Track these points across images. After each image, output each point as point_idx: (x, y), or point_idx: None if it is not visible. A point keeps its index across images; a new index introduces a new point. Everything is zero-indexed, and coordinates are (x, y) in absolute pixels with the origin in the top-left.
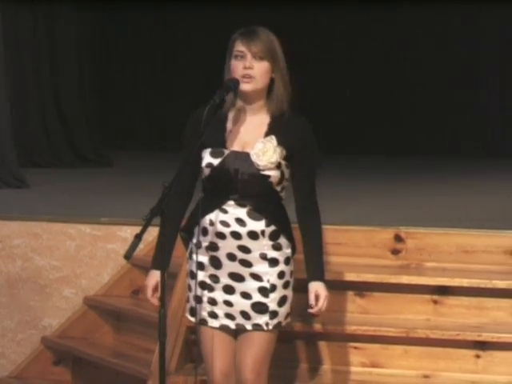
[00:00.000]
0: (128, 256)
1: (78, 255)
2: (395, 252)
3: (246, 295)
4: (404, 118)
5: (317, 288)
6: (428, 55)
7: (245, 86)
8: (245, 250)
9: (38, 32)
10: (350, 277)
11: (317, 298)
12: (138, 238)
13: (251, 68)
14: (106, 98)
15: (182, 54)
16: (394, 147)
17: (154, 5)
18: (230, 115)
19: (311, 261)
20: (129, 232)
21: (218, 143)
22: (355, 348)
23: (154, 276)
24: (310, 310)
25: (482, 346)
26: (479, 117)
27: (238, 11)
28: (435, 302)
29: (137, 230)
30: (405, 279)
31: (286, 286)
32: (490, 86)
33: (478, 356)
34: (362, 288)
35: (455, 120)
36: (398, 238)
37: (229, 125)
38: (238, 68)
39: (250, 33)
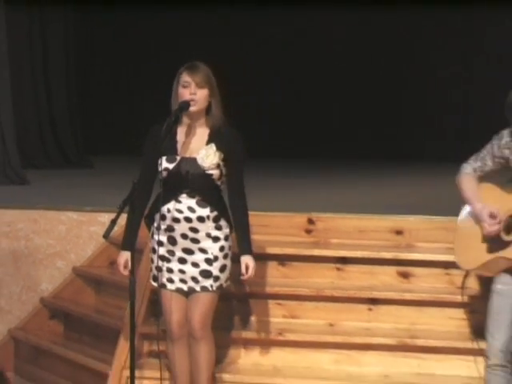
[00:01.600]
0: (106, 236)
1: (68, 236)
2: (308, 231)
3: (195, 265)
4: (327, 121)
5: (247, 260)
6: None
7: (191, 108)
8: (194, 230)
9: (33, 36)
10: (274, 250)
11: (247, 268)
12: (113, 222)
13: (195, 94)
14: (92, 106)
15: (166, 58)
16: (322, 151)
17: (139, 8)
18: (179, 130)
19: (241, 238)
20: (106, 218)
21: (172, 152)
22: (278, 304)
23: (124, 255)
24: (242, 277)
25: (373, 302)
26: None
27: (222, 14)
28: (338, 269)
29: (112, 216)
30: (315, 252)
31: (225, 257)
32: (403, 88)
33: (370, 309)
34: (283, 259)
35: (369, 121)
36: (310, 221)
37: (179, 137)
38: (185, 94)
39: (194, 67)
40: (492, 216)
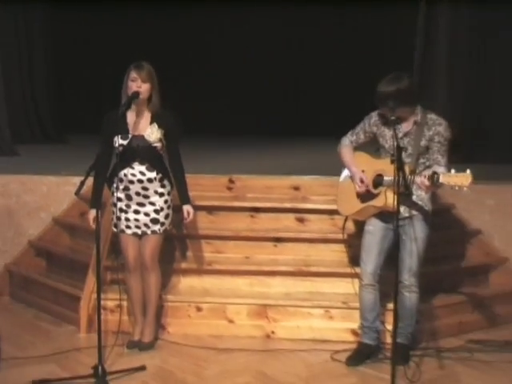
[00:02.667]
0: (77, 193)
1: (49, 194)
2: (229, 188)
3: (146, 214)
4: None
5: (187, 208)
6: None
7: (140, 97)
8: (145, 189)
9: (19, 29)
10: (203, 203)
11: (188, 213)
12: (82, 183)
13: (140, 87)
14: (68, 92)
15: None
16: (241, 127)
17: (116, 5)
18: (129, 114)
19: (181, 192)
20: (77, 180)
21: (125, 131)
22: (207, 243)
23: (92, 212)
24: (185, 221)
25: (278, 240)
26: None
27: (188, 14)
28: (252, 216)
29: (81, 178)
30: (235, 204)
31: (169, 207)
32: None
33: (275, 246)
34: (211, 209)
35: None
36: (231, 181)
37: (129, 120)
38: (133, 87)
39: (140, 66)
40: (361, 181)
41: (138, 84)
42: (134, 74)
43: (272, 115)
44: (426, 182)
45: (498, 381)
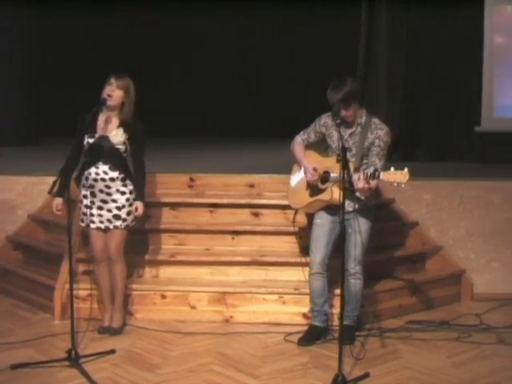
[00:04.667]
0: (50, 192)
1: (25, 192)
2: (190, 186)
3: (109, 211)
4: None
5: (137, 204)
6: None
7: (108, 102)
8: (108, 187)
9: None
10: (167, 200)
11: (136, 209)
12: (55, 183)
13: (113, 91)
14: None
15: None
16: (200, 130)
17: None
18: (100, 117)
19: (137, 191)
20: (50, 180)
21: (93, 131)
22: (170, 236)
23: (56, 201)
24: (135, 215)
25: (235, 233)
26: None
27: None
28: (211, 211)
29: (54, 178)
30: (195, 200)
31: (130, 205)
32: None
33: (233, 238)
34: (173, 205)
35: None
36: (192, 179)
37: (99, 122)
38: (106, 90)
39: (120, 75)
40: (315, 169)
41: (112, 88)
42: (112, 79)
43: (229, 117)
44: (362, 180)
45: (435, 356)
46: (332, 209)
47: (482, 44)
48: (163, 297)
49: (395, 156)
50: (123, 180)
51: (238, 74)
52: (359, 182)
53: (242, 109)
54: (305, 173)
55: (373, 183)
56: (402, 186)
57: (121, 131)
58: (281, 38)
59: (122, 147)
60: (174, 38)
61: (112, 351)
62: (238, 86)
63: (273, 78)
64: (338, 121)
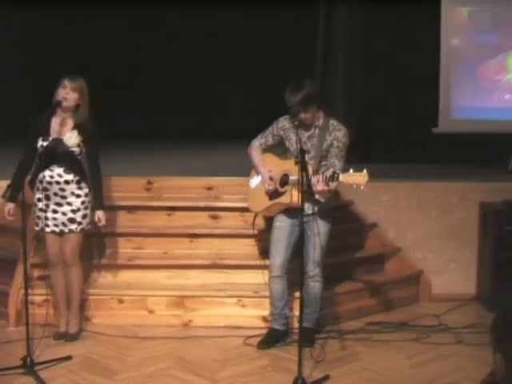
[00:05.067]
0: (3, 196)
1: None
2: (147, 189)
3: (64, 214)
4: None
5: (98, 214)
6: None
7: (63, 104)
8: (62, 190)
9: None
10: (124, 203)
11: (99, 219)
12: (8, 187)
13: (68, 94)
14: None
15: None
16: (157, 133)
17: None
18: (54, 119)
19: (95, 197)
20: (4, 184)
21: (46, 134)
22: (128, 240)
23: (8, 206)
24: (99, 225)
25: (193, 236)
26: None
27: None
28: (169, 214)
29: (8, 182)
30: (153, 203)
31: (86, 208)
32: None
33: (191, 241)
34: (131, 208)
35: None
36: (149, 182)
37: (53, 124)
38: (61, 93)
39: (73, 77)
40: (271, 179)
41: (67, 91)
42: (65, 82)
43: (187, 118)
44: (321, 182)
45: (394, 357)
46: (291, 212)
47: (439, 45)
48: (121, 301)
49: (354, 157)
50: (78, 183)
51: (195, 73)
52: (318, 184)
53: (201, 110)
54: (262, 181)
55: (332, 185)
56: (362, 187)
57: (75, 133)
58: (237, 37)
59: (76, 149)
60: (124, 38)
61: (68, 357)
62: (197, 86)
63: (231, 78)
64: (296, 123)
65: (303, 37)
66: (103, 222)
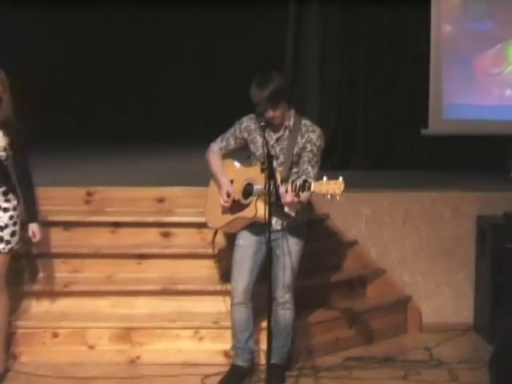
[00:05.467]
0: None
1: None
2: (87, 202)
3: None
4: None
5: (33, 228)
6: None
7: None
8: None
9: None
10: (59, 218)
11: (34, 234)
12: None
13: None
14: None
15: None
16: (99, 135)
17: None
18: None
19: (28, 209)
20: None
21: None
22: (63, 262)
23: None
24: (33, 240)
25: (141, 257)
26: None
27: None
28: (112, 231)
29: None
30: (93, 218)
31: (14, 224)
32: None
33: (139, 263)
34: (67, 225)
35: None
36: (89, 193)
37: None
38: None
39: None
40: (228, 195)
41: None
42: None
43: (134, 119)
44: (290, 192)
45: None
46: (257, 227)
47: (428, 37)
48: (55, 335)
49: (329, 163)
50: (5, 194)
51: (146, 72)
52: (287, 194)
53: (151, 109)
54: (220, 192)
55: (303, 196)
56: (337, 198)
57: (0, 135)
58: (200, 36)
59: (2, 154)
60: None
61: None
62: (150, 83)
63: (186, 78)
64: (263, 123)
65: (273, 35)
66: (39, 237)
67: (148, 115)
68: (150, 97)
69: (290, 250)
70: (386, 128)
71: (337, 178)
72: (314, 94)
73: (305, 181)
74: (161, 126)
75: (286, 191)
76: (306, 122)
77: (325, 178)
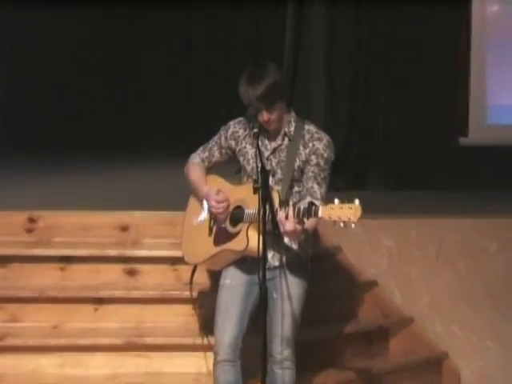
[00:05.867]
0: None
1: None
2: (29, 230)
3: None
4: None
5: None
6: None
7: None
8: None
9: None
10: None
11: None
12: None
13: None
14: None
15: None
16: (42, 146)
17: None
18: None
19: None
20: None
21: None
22: None
23: None
24: None
25: (99, 301)
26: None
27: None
28: (62, 268)
29: None
30: (37, 251)
31: None
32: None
33: (96, 309)
34: (3, 260)
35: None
36: (31, 220)
37: None
38: None
39: None
40: (219, 193)
41: None
42: None
43: (89, 126)
44: (291, 218)
45: None
46: (248, 263)
47: (469, 20)
48: None
49: (341, 182)
50: None
51: (104, 79)
52: (288, 221)
53: (112, 115)
54: (207, 202)
55: (308, 223)
56: (352, 226)
57: None
58: (177, 34)
59: None
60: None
61: None
62: (107, 88)
63: (151, 77)
64: (256, 129)
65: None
66: None
67: (109, 122)
68: (111, 100)
69: (290, 292)
70: (412, 137)
71: (352, 201)
72: (321, 93)
73: (311, 204)
74: (125, 135)
75: (287, 217)
76: (310, 128)
77: (336, 201)
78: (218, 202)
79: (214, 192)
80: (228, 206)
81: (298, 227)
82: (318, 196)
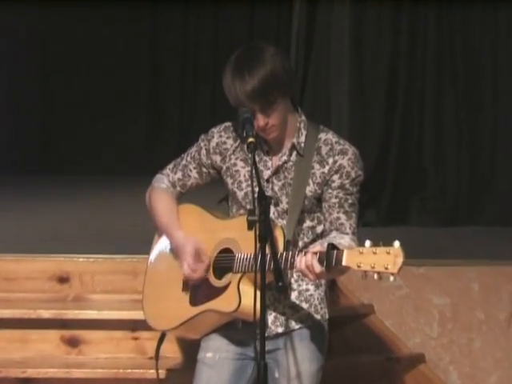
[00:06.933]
0: None
1: None
2: None
3: None
4: None
5: None
6: None
7: None
8: None
9: None
10: None
11: None
12: None
13: None
14: None
15: None
16: None
17: None
18: None
19: None
20: None
21: None
22: None
23: None
24: None
25: (27, 382)
26: None
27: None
28: None
29: None
30: None
31: None
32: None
33: None
34: None
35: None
36: None
37: None
38: None
39: None
40: (197, 254)
41: None
42: None
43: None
44: (316, 266)
45: None
46: (239, 329)
47: None
48: None
49: (371, 213)
50: None
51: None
52: (306, 272)
53: (45, 133)
54: (179, 258)
55: (327, 273)
56: (391, 279)
57: None
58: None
59: None
60: None
61: None
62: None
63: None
64: (251, 139)
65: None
66: None
67: (40, 139)
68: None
69: (299, 370)
70: (472, 152)
71: (390, 244)
72: (343, 93)
73: (332, 246)
74: (64, 149)
75: (306, 267)
76: (328, 138)
77: (368, 243)
78: (193, 270)
79: (190, 253)
80: (205, 273)
81: (312, 276)
82: (348, 230)
